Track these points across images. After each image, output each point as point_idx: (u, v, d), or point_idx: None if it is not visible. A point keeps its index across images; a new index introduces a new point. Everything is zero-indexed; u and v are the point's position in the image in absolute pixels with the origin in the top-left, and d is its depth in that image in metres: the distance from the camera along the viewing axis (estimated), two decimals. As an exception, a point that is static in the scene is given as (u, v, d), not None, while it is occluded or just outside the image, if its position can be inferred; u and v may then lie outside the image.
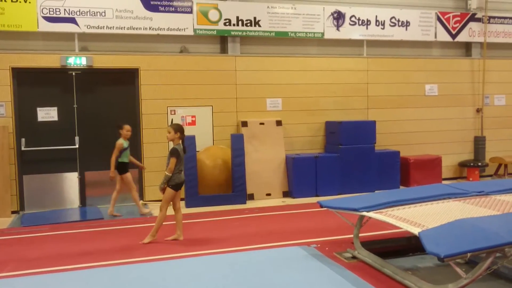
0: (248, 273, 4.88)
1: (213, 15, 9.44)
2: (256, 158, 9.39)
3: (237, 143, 8.97)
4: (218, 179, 8.92)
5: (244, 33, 9.68)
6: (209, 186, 8.91)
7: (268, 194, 9.41)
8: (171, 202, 6.37)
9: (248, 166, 9.13)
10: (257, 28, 9.73)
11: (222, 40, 9.83)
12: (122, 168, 8.03)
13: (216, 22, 9.47)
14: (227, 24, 9.53)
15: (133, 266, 5.27)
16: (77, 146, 8.92)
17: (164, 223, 6.33)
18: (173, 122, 8.97)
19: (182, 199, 7.91)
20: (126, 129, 8.05)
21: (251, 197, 9.26)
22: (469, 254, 3.57)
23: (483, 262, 3.76)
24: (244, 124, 9.48)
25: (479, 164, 10.96)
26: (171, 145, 6.34)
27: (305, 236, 6.33)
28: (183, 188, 6.65)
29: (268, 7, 9.76)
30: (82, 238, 6.63)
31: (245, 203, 8.87)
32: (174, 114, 9.28)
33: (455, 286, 3.91)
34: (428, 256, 4.96)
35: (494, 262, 3.80)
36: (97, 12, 8.79)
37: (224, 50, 9.83)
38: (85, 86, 8.99)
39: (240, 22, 9.60)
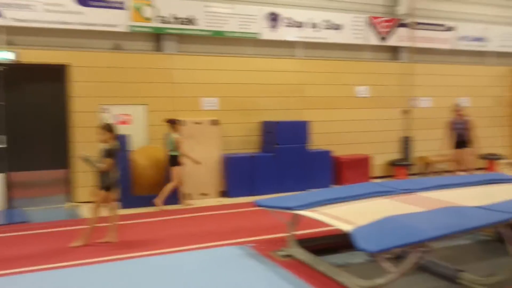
0: (183, 274, 4.83)
1: (148, 12, 9.25)
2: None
3: (173, 143, 8.84)
4: (153, 179, 8.75)
5: (181, 32, 9.57)
6: (143, 186, 8.72)
7: (204, 194, 9.36)
8: (105, 204, 6.18)
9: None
10: (193, 26, 9.65)
11: (158, 38, 9.65)
12: (175, 161, 8.31)
13: (151, 20, 9.29)
14: (163, 22, 9.38)
15: (61, 271, 5.05)
16: (4, 145, 8.42)
17: (98, 224, 6.13)
18: (105, 122, 8.71)
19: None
20: (179, 124, 8.51)
21: (187, 197, 9.16)
22: (397, 249, 3.73)
23: (409, 257, 3.95)
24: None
25: (407, 163, 11.52)
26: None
27: (241, 235, 6.36)
28: (117, 189, 6.47)
29: (205, 6, 9.71)
30: (6, 242, 6.27)
31: (180, 203, 8.77)
32: (107, 112, 9.00)
33: (384, 280, 4.08)
34: (360, 253, 5.13)
35: (420, 256, 4.00)
36: (24, 5, 8.35)
37: (160, 48, 9.66)
38: (12, 83, 8.50)
39: (176, 20, 9.47)
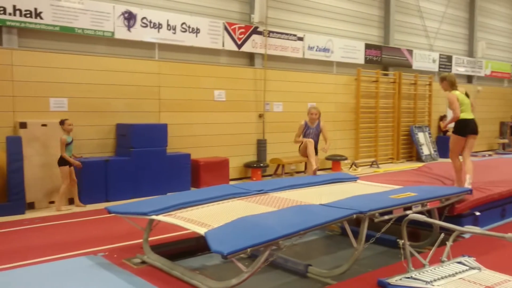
0: (23, 292, 4.36)
1: (-17, 0, 8.28)
2: (38, 162, 8.55)
3: (14, 147, 8.03)
4: (-10, 187, 7.85)
5: (23, 25, 8.72)
6: (-22, 196, 7.77)
7: (52, 202, 8.65)
8: None
9: (28, 171, 8.25)
10: (38, 20, 8.87)
11: (-5, 31, 8.70)
12: (62, 161, 8.30)
13: (-13, 9, 8.33)
14: (2, 13, 8.46)
15: None
16: None
17: None
18: None
19: None
20: (68, 124, 8.39)
21: (32, 206, 8.39)
22: (249, 250, 3.81)
23: (261, 256, 4.06)
24: (23, 125, 8.52)
25: (261, 165, 11.99)
26: None
27: (93, 244, 5.99)
28: None
29: (51, -2, 9.00)
30: None
31: (24, 213, 8.00)
32: None
33: (238, 280, 4.14)
34: (216, 255, 5.16)
35: (271, 254, 4.15)
36: None
37: (-2, 41, 8.71)
38: None
39: (17, 12, 8.61)
